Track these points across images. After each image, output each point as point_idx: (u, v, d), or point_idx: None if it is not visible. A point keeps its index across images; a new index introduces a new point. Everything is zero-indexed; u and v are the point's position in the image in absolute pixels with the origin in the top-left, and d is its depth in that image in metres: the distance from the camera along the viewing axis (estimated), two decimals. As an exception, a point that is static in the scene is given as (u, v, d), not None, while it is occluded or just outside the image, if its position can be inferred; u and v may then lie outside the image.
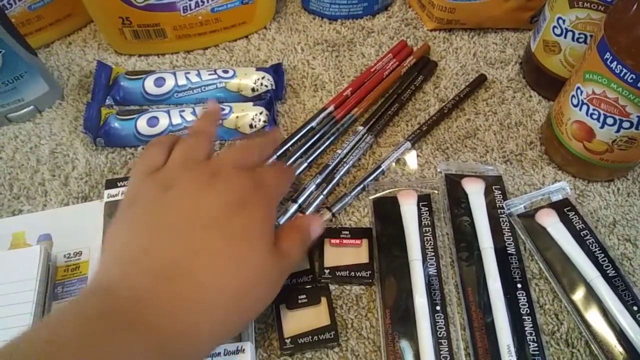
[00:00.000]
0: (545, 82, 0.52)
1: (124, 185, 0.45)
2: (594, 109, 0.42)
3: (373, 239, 0.45)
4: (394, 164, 0.49)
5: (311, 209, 0.46)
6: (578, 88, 0.43)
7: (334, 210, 0.46)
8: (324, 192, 0.47)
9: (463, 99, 0.53)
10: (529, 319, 0.41)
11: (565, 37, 0.47)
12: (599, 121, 0.42)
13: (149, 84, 0.52)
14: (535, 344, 0.40)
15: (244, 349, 0.37)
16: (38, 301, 0.40)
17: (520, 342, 0.40)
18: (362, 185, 0.47)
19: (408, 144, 0.50)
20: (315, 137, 0.50)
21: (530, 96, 0.54)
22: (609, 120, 0.41)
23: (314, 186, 0.47)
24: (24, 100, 0.51)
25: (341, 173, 0.48)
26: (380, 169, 0.49)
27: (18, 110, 0.52)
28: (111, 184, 0.45)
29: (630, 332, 0.39)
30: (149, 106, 0.53)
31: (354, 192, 0.47)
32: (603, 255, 0.43)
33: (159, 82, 0.52)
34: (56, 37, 0.59)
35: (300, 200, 0.46)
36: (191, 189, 0.35)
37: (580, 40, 0.47)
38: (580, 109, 0.43)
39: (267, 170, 0.39)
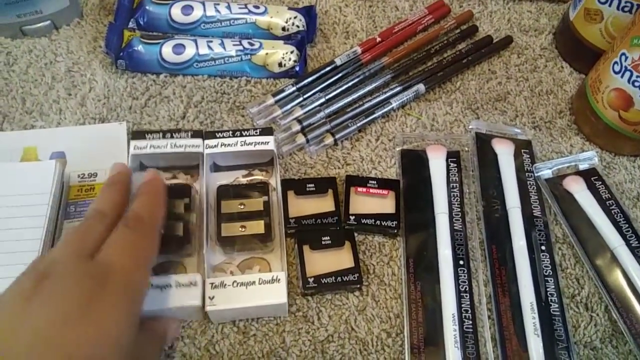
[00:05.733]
0: (580, 53, 0.52)
1: (153, 138, 0.41)
2: (637, 76, 0.41)
3: (400, 191, 0.44)
4: (413, 112, 0.48)
5: (314, 133, 0.46)
6: (623, 54, 0.42)
7: (337, 137, 0.46)
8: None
9: (483, 52, 0.52)
10: (551, 280, 0.41)
11: (610, 5, 0.47)
12: (640, 89, 0.42)
13: (176, 11, 0.50)
14: (557, 305, 0.39)
15: (279, 279, 0.36)
16: (51, 216, 0.38)
17: (541, 302, 0.39)
18: (368, 119, 0.47)
19: (421, 86, 0.49)
20: (338, 76, 0.49)
21: (562, 67, 0.53)
22: (652, 89, 0.41)
23: (322, 114, 0.47)
24: (42, 13, 0.48)
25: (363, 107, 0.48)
26: (391, 106, 0.48)
27: (34, 23, 0.49)
28: (139, 135, 0.41)
29: (650, 301, 0.39)
30: (173, 34, 0.50)
31: (359, 123, 0.46)
32: (627, 225, 0.43)
33: (187, 10, 0.50)
34: (77, -46, 0.55)
35: (305, 124, 0.46)
36: (13, 304, 0.27)
37: (626, 9, 0.46)
38: (622, 76, 0.43)
39: (113, 245, 0.30)
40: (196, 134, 0.41)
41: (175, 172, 0.43)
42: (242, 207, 0.39)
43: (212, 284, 0.36)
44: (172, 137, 0.41)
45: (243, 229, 0.38)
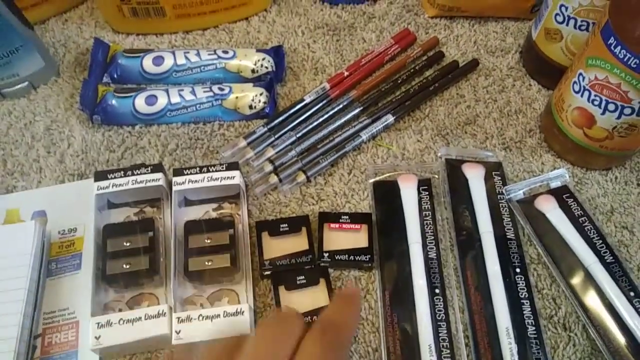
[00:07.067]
0: (545, 71, 0.52)
1: (115, 177, 0.42)
2: (595, 95, 0.42)
3: (373, 224, 0.44)
4: (384, 142, 0.49)
5: (287, 172, 0.47)
6: (580, 74, 0.43)
7: (309, 174, 0.47)
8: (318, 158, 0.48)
9: (450, 77, 0.53)
10: (527, 302, 0.41)
11: (567, 24, 0.47)
12: (600, 107, 0.42)
13: (148, 63, 0.52)
14: (534, 327, 0.40)
15: (243, 311, 0.37)
16: (32, 277, 0.40)
17: (518, 326, 0.40)
18: (339, 153, 0.48)
19: (390, 117, 0.50)
20: (308, 113, 0.51)
21: (530, 85, 0.54)
22: (610, 107, 0.41)
23: (294, 152, 0.48)
24: (19, 76, 0.50)
25: (330, 144, 0.49)
26: (361, 139, 0.49)
27: (12, 85, 0.51)
28: (101, 176, 0.43)
29: (626, 317, 0.39)
30: (147, 85, 0.52)
31: (331, 158, 0.47)
32: (601, 241, 0.43)
33: (158, 60, 0.52)
34: (52, 13, 0.57)
35: (277, 163, 0.47)
36: None
37: (582, 27, 0.47)
38: (581, 95, 0.43)
39: None
40: (156, 168, 0.43)
41: (142, 206, 0.45)
42: (208, 241, 0.41)
43: (178, 318, 0.37)
44: (132, 174, 0.43)
45: (209, 263, 0.40)
